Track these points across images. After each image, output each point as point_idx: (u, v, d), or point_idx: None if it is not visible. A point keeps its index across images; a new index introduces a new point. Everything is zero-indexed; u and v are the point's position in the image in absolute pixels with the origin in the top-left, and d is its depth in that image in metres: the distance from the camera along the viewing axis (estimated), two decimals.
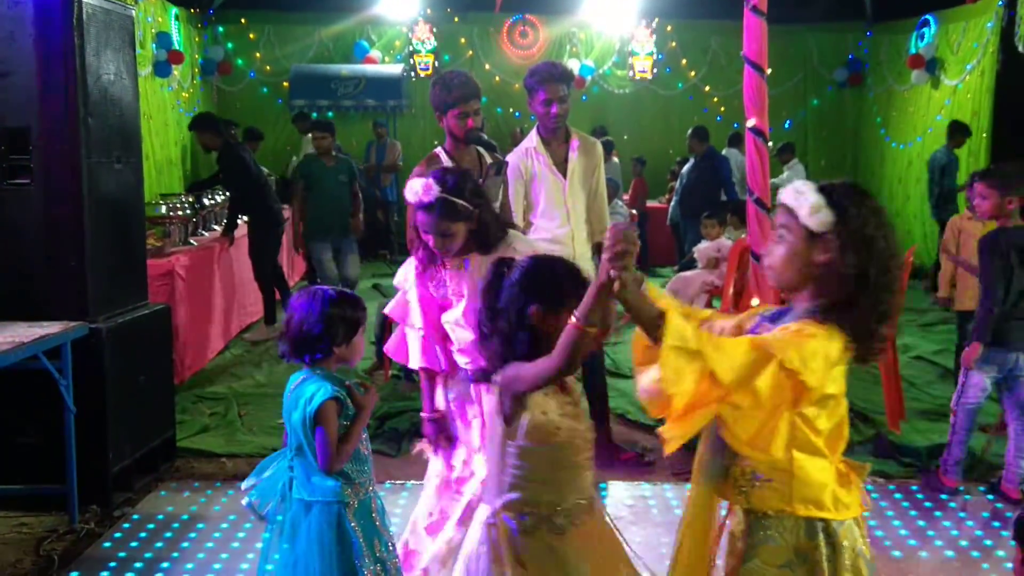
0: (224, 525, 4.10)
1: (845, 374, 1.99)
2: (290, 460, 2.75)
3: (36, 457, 4.15)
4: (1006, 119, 9.55)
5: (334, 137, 7.69)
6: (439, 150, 4.05)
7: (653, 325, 1.90)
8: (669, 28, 13.42)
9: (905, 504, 4.37)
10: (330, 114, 12.50)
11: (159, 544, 3.92)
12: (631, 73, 13.52)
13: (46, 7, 4.03)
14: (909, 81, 11.53)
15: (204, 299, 6.79)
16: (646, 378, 1.94)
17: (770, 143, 4.24)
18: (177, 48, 11.04)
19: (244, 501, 2.80)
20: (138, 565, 3.73)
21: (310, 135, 11.44)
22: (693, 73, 13.51)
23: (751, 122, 4.13)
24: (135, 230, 4.67)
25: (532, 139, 4.65)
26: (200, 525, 4.12)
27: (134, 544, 3.92)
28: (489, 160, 4.16)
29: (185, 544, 3.93)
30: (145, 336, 4.55)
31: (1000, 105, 9.67)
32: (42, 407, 4.03)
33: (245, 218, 7.73)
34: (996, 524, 4.19)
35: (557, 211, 4.59)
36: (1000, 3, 9.51)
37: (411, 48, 13.31)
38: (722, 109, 13.10)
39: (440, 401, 3.17)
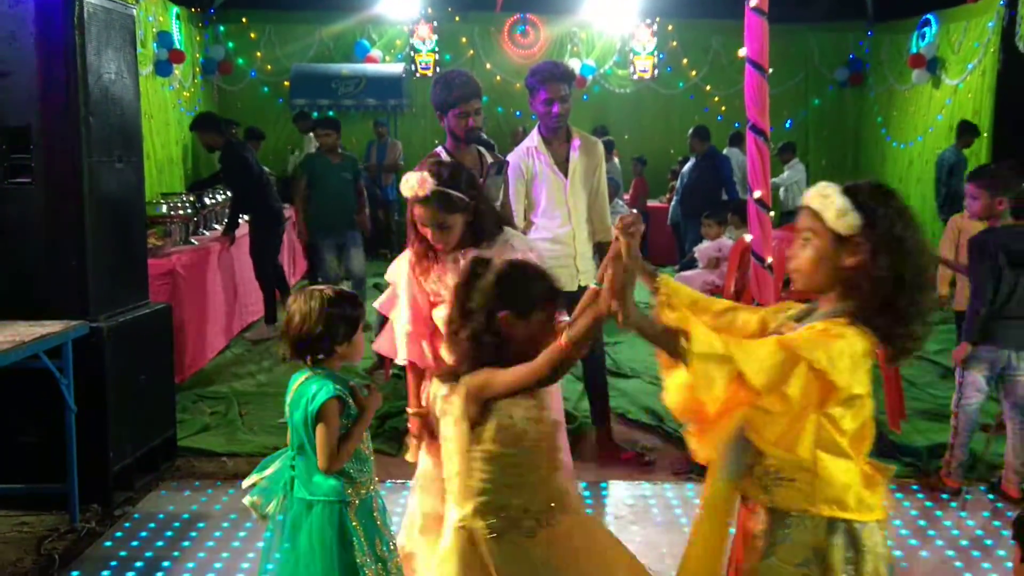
0: (225, 524, 4.11)
1: (871, 374, 1.98)
2: (291, 459, 2.75)
3: (37, 456, 4.16)
4: (1007, 119, 9.55)
5: (339, 135, 7.63)
6: (440, 149, 4.05)
7: (667, 341, 1.91)
8: (670, 27, 13.42)
9: (906, 504, 4.38)
10: (331, 113, 12.49)
11: (160, 543, 3.93)
12: (632, 72, 13.52)
13: (47, 6, 4.03)
14: (910, 81, 11.53)
15: (205, 298, 6.79)
16: (673, 386, 1.95)
17: (771, 143, 4.23)
18: (178, 47, 11.05)
19: (246, 500, 2.80)
20: (139, 564, 3.73)
21: (312, 134, 11.49)
22: (694, 72, 13.51)
23: (752, 121, 4.13)
24: (136, 229, 4.68)
25: (533, 138, 4.65)
26: (201, 524, 4.12)
27: (135, 543, 3.92)
28: (490, 159, 4.16)
29: (186, 543, 3.93)
30: (146, 335, 4.55)
31: (1001, 105, 9.67)
32: (43, 406, 4.03)
33: (246, 217, 7.73)
34: (997, 523, 4.19)
35: (558, 210, 4.59)
36: (1001, 3, 9.50)
37: (412, 47, 13.31)
38: (723, 108, 13.10)
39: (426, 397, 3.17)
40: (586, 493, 4.48)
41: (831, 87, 13.58)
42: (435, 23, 13.24)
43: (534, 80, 4.49)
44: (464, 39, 13.36)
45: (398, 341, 3.16)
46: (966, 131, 9.43)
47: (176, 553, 3.84)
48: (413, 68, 13.25)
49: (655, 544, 3.95)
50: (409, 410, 3.16)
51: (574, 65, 12.56)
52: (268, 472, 2.82)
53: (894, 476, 4.86)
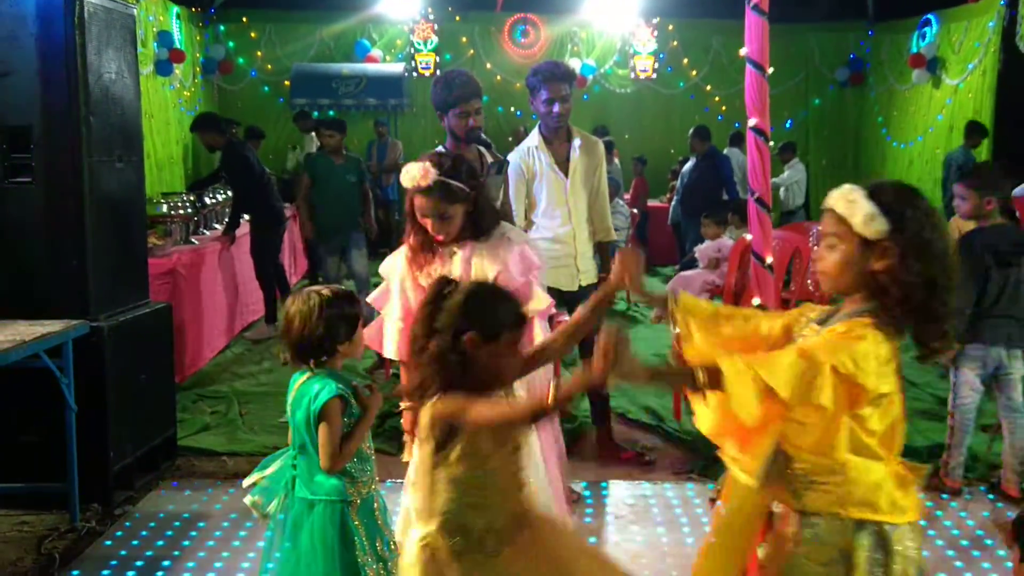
0: (225, 524, 4.11)
1: (898, 372, 1.97)
2: (293, 459, 2.75)
3: (37, 455, 4.16)
4: (1007, 119, 9.55)
5: (343, 136, 7.51)
6: (440, 149, 4.05)
7: (682, 380, 1.92)
8: (670, 27, 13.42)
9: None
10: (331, 113, 12.50)
11: (160, 543, 3.93)
12: (632, 72, 13.52)
13: (48, 6, 4.03)
14: (910, 80, 11.53)
15: (205, 298, 6.79)
16: (702, 411, 1.99)
17: (771, 142, 4.23)
18: (178, 47, 11.05)
19: (247, 500, 2.81)
20: (139, 564, 3.73)
21: (313, 134, 11.50)
22: (695, 72, 13.51)
23: (752, 121, 4.13)
24: (136, 229, 4.68)
25: (534, 138, 4.65)
26: (201, 524, 4.12)
27: (135, 543, 3.92)
28: (489, 159, 4.16)
29: (186, 543, 3.93)
30: (146, 335, 4.55)
31: (1001, 105, 9.67)
32: (43, 405, 4.03)
33: (247, 217, 7.73)
34: (1001, 525, 4.19)
35: (559, 210, 4.59)
36: (1002, 2, 9.51)
37: (412, 47, 13.31)
38: (723, 108, 13.10)
39: None
40: (586, 493, 4.48)
41: (831, 87, 13.58)
42: (435, 23, 13.23)
43: (535, 79, 4.49)
44: (464, 39, 13.36)
45: (388, 335, 3.16)
46: (974, 131, 9.42)
47: (176, 553, 3.84)
48: (413, 68, 13.25)
49: (655, 544, 3.95)
50: (403, 404, 3.16)
51: (574, 65, 12.55)
52: (269, 471, 2.82)
53: None
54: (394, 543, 2.77)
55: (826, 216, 2.06)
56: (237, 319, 7.69)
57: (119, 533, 4.01)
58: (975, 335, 4.25)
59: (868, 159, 13.15)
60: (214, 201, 7.97)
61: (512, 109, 13.26)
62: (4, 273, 4.15)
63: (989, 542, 4.00)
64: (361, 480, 2.73)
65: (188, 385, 6.13)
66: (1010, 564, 3.12)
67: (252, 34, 13.21)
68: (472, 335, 2.07)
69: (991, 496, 4.45)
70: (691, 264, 8.02)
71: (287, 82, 13.00)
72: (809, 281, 6.74)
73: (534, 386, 3.16)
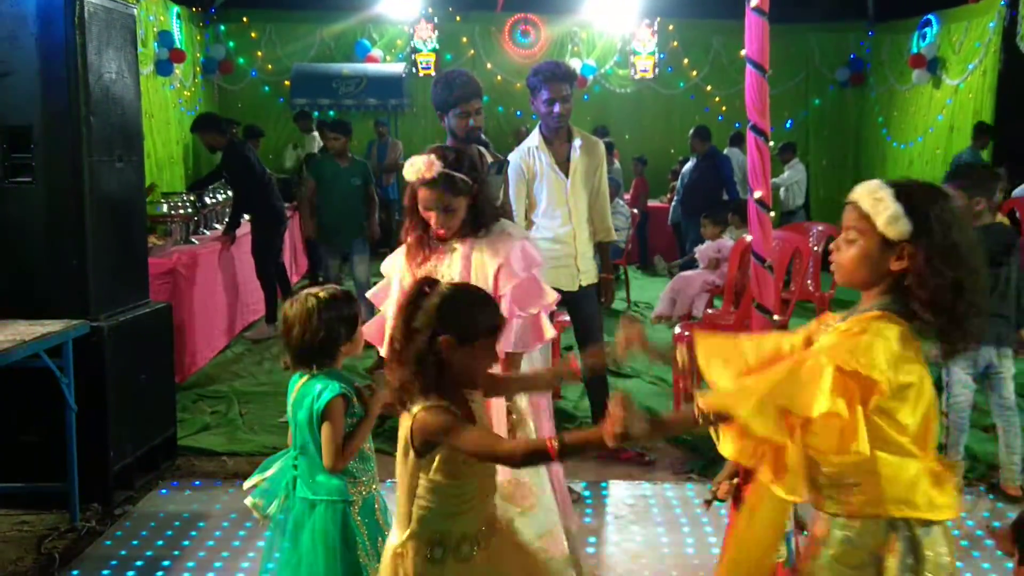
0: (225, 524, 4.11)
1: (920, 361, 1.94)
2: (294, 459, 2.75)
3: (37, 455, 4.16)
4: (1008, 119, 9.55)
5: (348, 138, 7.44)
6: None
7: (688, 424, 1.96)
8: (671, 27, 13.41)
9: None
10: (332, 113, 12.50)
11: (160, 542, 3.93)
12: (632, 72, 13.51)
13: (48, 6, 4.03)
14: (911, 81, 11.53)
15: (205, 298, 6.79)
16: (726, 438, 2.00)
17: (771, 143, 4.22)
18: (179, 47, 11.05)
19: (247, 501, 2.81)
20: (139, 563, 3.73)
21: (315, 134, 11.51)
22: (695, 72, 13.51)
23: (752, 122, 4.12)
24: (136, 228, 4.68)
25: (534, 138, 4.65)
26: (201, 524, 4.12)
27: (135, 542, 3.92)
28: (489, 159, 4.16)
29: (186, 543, 3.93)
30: (146, 334, 4.55)
31: (1002, 105, 9.67)
32: (43, 405, 4.03)
33: (247, 217, 7.72)
34: (997, 524, 4.19)
35: (559, 210, 4.59)
36: (1002, 3, 9.50)
37: (412, 47, 13.31)
38: (724, 109, 13.10)
39: None
40: (586, 493, 4.48)
41: (832, 87, 13.56)
42: (436, 23, 13.23)
43: (536, 80, 4.49)
44: (465, 39, 13.36)
45: (386, 333, 3.16)
46: (982, 132, 9.44)
47: (176, 552, 3.84)
48: (414, 68, 13.24)
49: (655, 544, 3.95)
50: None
51: (575, 65, 12.56)
52: (269, 473, 2.82)
53: None
54: None
55: (849, 209, 2.04)
56: (237, 319, 7.69)
57: (119, 533, 4.01)
58: None
59: (868, 159, 13.14)
60: (214, 201, 7.97)
61: (512, 109, 13.26)
62: (4, 273, 4.15)
63: (989, 542, 4.00)
64: (362, 480, 2.73)
65: (188, 385, 6.14)
66: (1010, 565, 3.13)
67: (252, 34, 13.21)
68: (447, 338, 2.06)
69: (991, 496, 4.45)
70: (691, 264, 8.03)
71: (287, 82, 12.99)
72: (809, 282, 6.75)
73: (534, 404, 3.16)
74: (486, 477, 2.18)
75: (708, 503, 2.89)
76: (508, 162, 4.48)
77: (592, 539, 3.99)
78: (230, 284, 7.47)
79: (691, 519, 4.17)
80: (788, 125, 13.37)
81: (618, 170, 10.98)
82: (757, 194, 3.86)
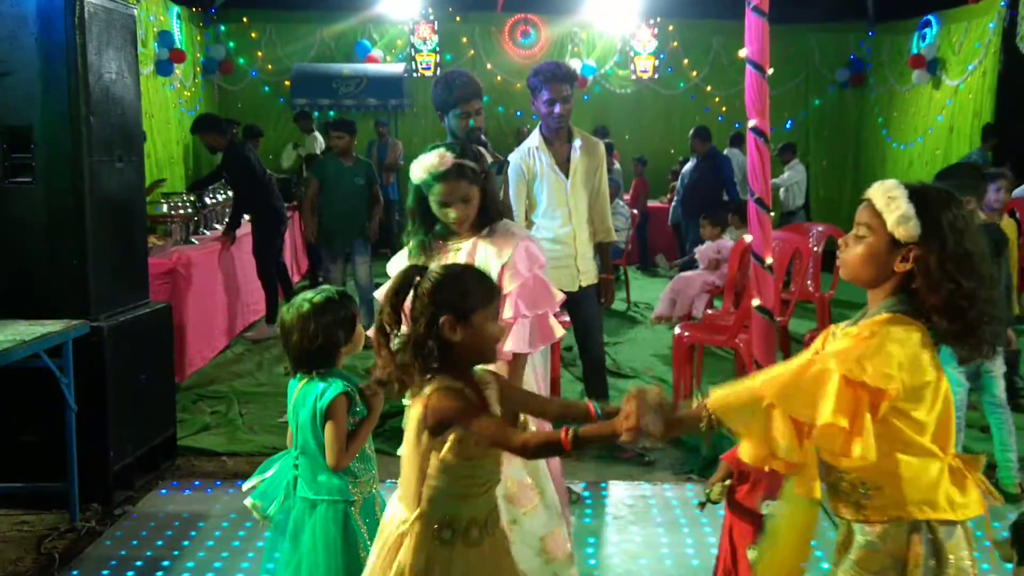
0: (225, 524, 4.11)
1: (934, 360, 1.93)
2: (295, 458, 2.75)
3: (37, 455, 4.16)
4: (1008, 120, 9.56)
5: (352, 137, 7.38)
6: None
7: (698, 423, 1.92)
8: (671, 28, 13.42)
9: None
10: (331, 113, 12.50)
11: (160, 543, 3.93)
12: (633, 73, 13.53)
13: (48, 6, 4.03)
14: (910, 81, 11.53)
15: (205, 298, 6.79)
16: (745, 444, 1.98)
17: (771, 143, 4.22)
18: (179, 47, 11.06)
19: (247, 502, 2.81)
20: (139, 564, 3.73)
21: (316, 134, 11.51)
22: (695, 73, 13.52)
23: (752, 122, 4.13)
24: (136, 228, 4.68)
25: (535, 138, 4.65)
26: (201, 524, 4.12)
27: (135, 543, 3.92)
28: (489, 159, 4.16)
29: (186, 543, 3.93)
30: (146, 334, 4.55)
31: (1001, 106, 9.67)
32: (43, 405, 4.03)
33: (247, 217, 7.72)
34: (996, 524, 4.19)
35: (559, 210, 4.59)
36: (1002, 3, 9.51)
37: (413, 47, 13.32)
38: (724, 109, 13.11)
39: None
40: (586, 493, 4.48)
41: (832, 88, 13.57)
42: (436, 23, 13.24)
43: (537, 80, 4.49)
44: (465, 39, 13.37)
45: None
46: (990, 134, 9.44)
47: (176, 553, 3.84)
48: (414, 68, 13.25)
49: (655, 545, 3.95)
50: (406, 401, 3.16)
51: (575, 65, 12.57)
52: (268, 474, 2.83)
53: None
54: None
55: (863, 206, 2.04)
56: (237, 319, 7.69)
57: (119, 533, 4.01)
58: None
59: (868, 160, 13.15)
60: (214, 201, 7.97)
61: (512, 110, 13.26)
62: (4, 273, 4.15)
63: (987, 543, 3.99)
64: (363, 479, 2.74)
65: (188, 385, 6.13)
66: (1010, 567, 3.13)
67: (252, 34, 13.22)
68: (447, 318, 2.09)
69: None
70: (691, 265, 8.03)
71: (287, 82, 12.99)
72: (809, 282, 6.75)
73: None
74: (496, 463, 2.19)
75: (703, 505, 2.90)
76: (508, 162, 4.47)
77: (591, 539, 3.99)
78: (230, 284, 7.47)
79: (691, 520, 4.17)
80: (788, 126, 13.37)
81: (618, 171, 10.99)
82: (756, 195, 3.86)
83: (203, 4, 12.51)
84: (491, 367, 2.27)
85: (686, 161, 10.23)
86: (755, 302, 4.28)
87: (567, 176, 4.59)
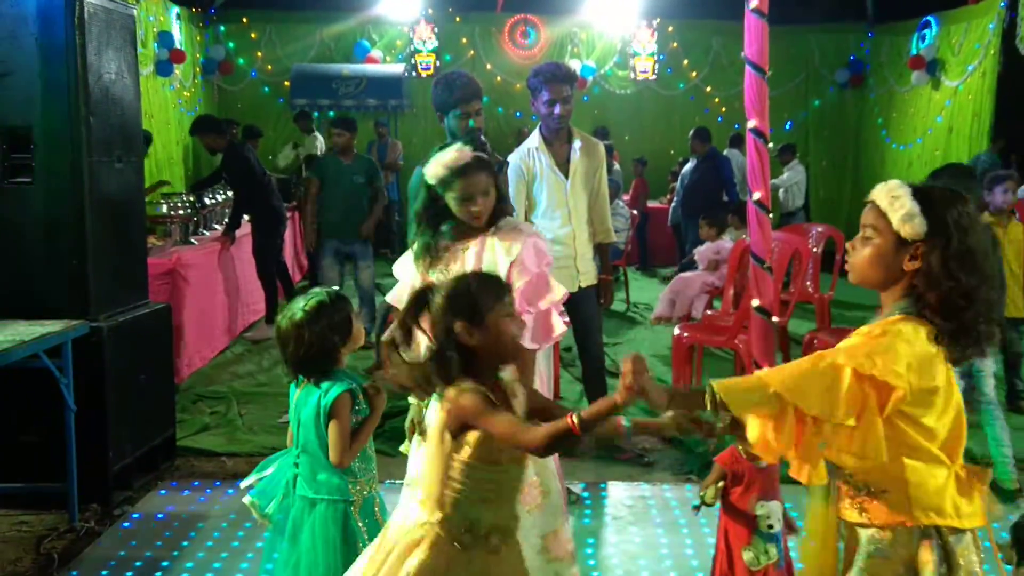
0: (224, 524, 4.11)
1: (944, 364, 1.93)
2: (295, 457, 2.75)
3: (36, 455, 4.16)
4: (1007, 120, 9.56)
5: (353, 135, 7.34)
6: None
7: (698, 400, 1.91)
8: (671, 28, 13.42)
9: None
10: (331, 113, 12.49)
11: (159, 543, 3.93)
12: (632, 73, 13.52)
13: (48, 6, 4.04)
14: (910, 82, 11.53)
15: (205, 298, 6.79)
16: (752, 432, 1.96)
17: (771, 144, 4.23)
18: (178, 47, 11.05)
19: (246, 500, 2.81)
20: (138, 564, 3.73)
21: (316, 134, 11.50)
22: (695, 74, 13.51)
23: (752, 123, 4.13)
24: (136, 229, 4.68)
25: (534, 139, 4.65)
26: (200, 524, 4.12)
27: (134, 543, 3.92)
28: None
29: (185, 543, 3.93)
30: (146, 335, 4.55)
31: (1001, 106, 9.67)
32: (43, 406, 4.03)
33: (247, 217, 7.72)
34: (996, 525, 4.19)
35: (559, 211, 4.59)
36: (1002, 4, 9.50)
37: (412, 48, 13.31)
38: (723, 110, 13.11)
39: None
40: (585, 494, 4.48)
41: (831, 88, 13.57)
42: (436, 23, 13.23)
43: (537, 81, 4.49)
44: (465, 39, 13.36)
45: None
46: (999, 136, 9.46)
47: (175, 553, 3.84)
48: (414, 68, 13.25)
49: (654, 545, 3.95)
50: (411, 400, 3.15)
51: (574, 66, 12.56)
52: (267, 473, 2.83)
53: None
54: None
55: (868, 208, 2.04)
56: (237, 319, 7.69)
57: (118, 533, 4.01)
58: None
59: (868, 161, 13.15)
60: (214, 201, 7.97)
61: (512, 110, 13.26)
62: (4, 273, 4.15)
63: (987, 543, 3.99)
64: (363, 479, 2.74)
65: (188, 385, 6.13)
66: (1010, 568, 3.13)
67: (252, 34, 13.21)
68: (461, 324, 2.11)
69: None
70: (690, 266, 8.04)
71: (287, 83, 12.98)
72: (808, 283, 6.75)
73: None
74: (521, 469, 2.20)
75: (697, 508, 2.91)
76: (507, 163, 4.47)
77: (591, 540, 4.00)
78: (230, 285, 7.47)
79: (690, 520, 4.17)
80: (788, 126, 13.37)
81: (618, 171, 10.98)
82: (756, 195, 3.86)
83: (203, 4, 12.51)
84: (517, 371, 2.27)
85: (686, 162, 10.24)
86: (754, 303, 4.27)
87: (567, 177, 4.59)
